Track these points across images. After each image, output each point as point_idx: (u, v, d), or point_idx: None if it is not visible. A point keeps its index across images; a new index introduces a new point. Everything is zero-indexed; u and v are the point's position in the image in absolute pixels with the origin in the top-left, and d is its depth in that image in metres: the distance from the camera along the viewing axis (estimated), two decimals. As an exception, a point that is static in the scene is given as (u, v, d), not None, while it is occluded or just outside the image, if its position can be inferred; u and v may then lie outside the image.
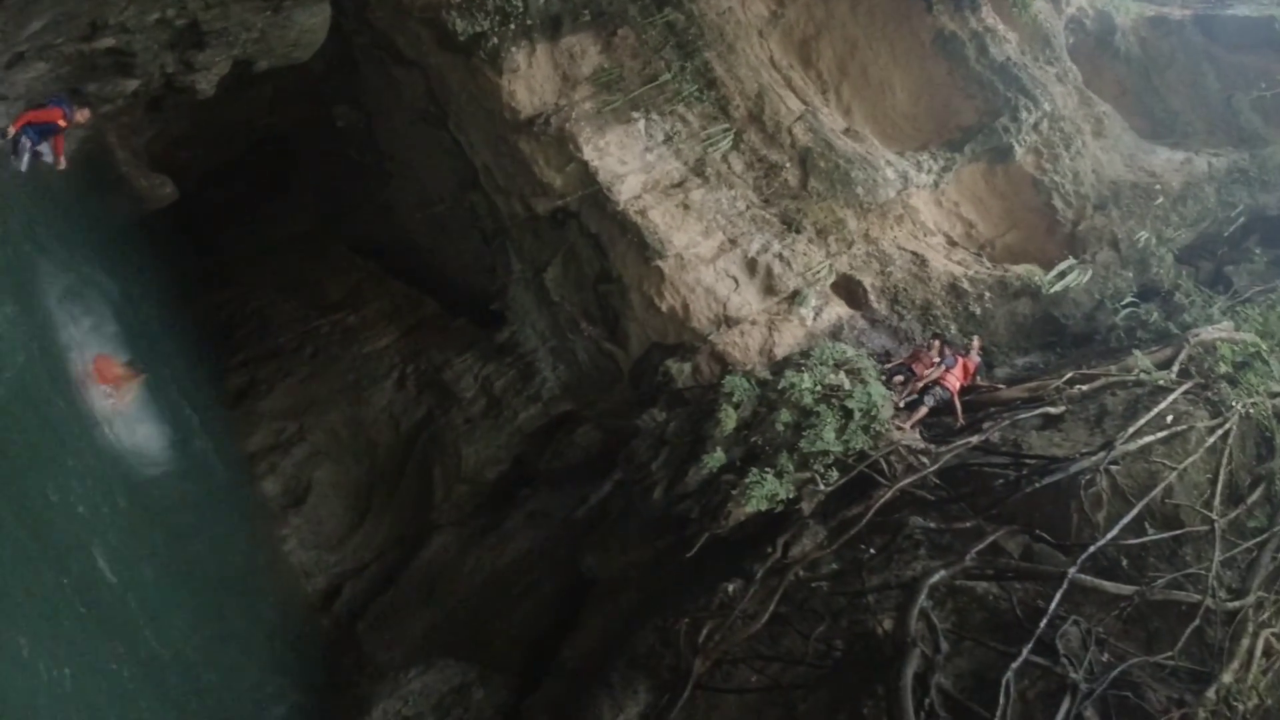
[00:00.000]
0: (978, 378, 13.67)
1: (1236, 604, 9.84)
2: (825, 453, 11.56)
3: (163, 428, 12.97)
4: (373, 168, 18.66)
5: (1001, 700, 8.47)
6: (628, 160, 14.13)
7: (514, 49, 13.91)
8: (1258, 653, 9.54)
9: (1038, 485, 10.82)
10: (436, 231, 18.17)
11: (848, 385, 12.23)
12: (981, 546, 10.16)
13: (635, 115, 14.28)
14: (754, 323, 14.20)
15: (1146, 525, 10.57)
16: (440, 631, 13.22)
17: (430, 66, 14.94)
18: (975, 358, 13.75)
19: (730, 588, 10.77)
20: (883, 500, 11.05)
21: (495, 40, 13.74)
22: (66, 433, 9.61)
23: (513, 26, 13.75)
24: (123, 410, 10.23)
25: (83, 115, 10.61)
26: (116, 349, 11.92)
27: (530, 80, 14.20)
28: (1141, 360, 12.80)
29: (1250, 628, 9.67)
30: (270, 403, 17.34)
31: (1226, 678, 9.13)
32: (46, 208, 11.53)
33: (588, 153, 13.91)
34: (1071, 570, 9.60)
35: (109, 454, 10.67)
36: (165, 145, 17.24)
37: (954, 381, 13.06)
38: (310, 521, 15.74)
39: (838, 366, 12.59)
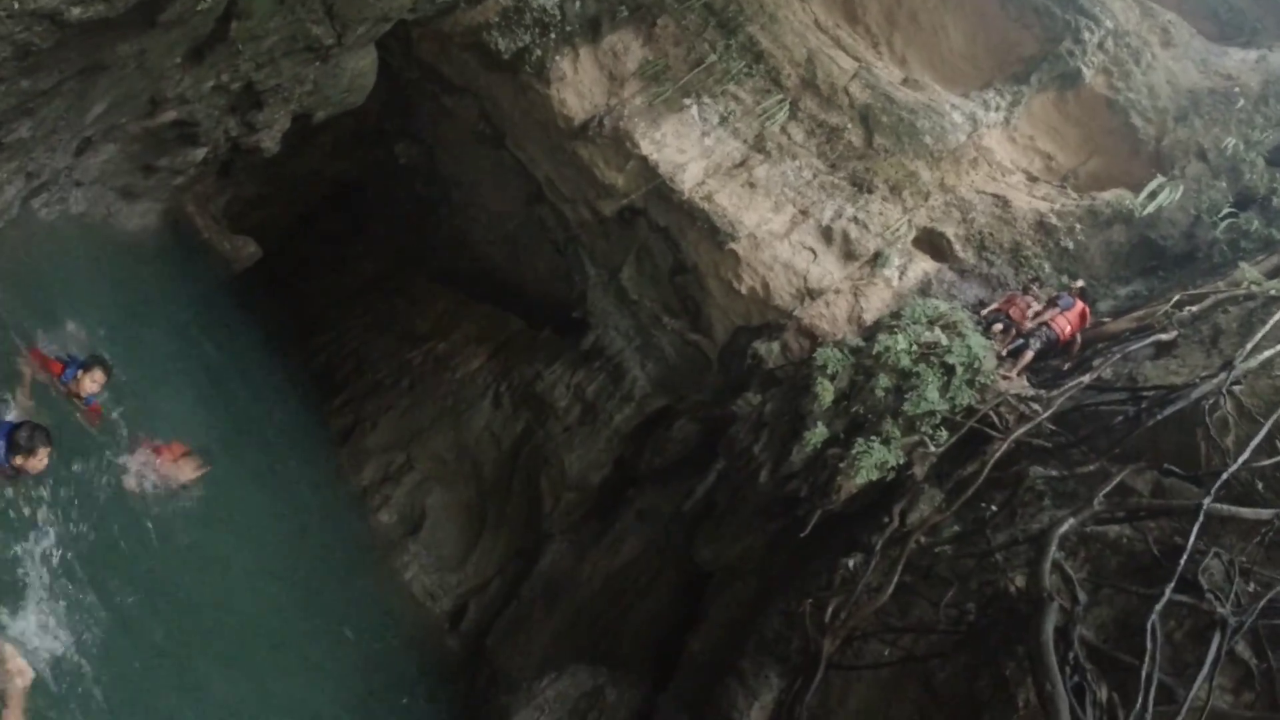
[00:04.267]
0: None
1: (1389, 512, 9.21)
2: (931, 413, 11.26)
3: (276, 476, 13.45)
4: (440, 197, 19.00)
5: (1149, 645, 8.09)
6: (686, 148, 14.03)
7: (558, 58, 13.95)
8: None
9: (1159, 417, 10.31)
10: (510, 249, 18.40)
11: (945, 341, 11.88)
12: (1108, 489, 9.72)
13: (687, 102, 14.16)
14: (838, 291, 13.94)
15: (1278, 444, 9.98)
16: (567, 638, 13.38)
17: (480, 89, 15.11)
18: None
19: (850, 563, 10.59)
20: (998, 454, 10.69)
21: (539, 52, 13.80)
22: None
23: (553, 36, 13.80)
24: (170, 486, 9.26)
25: (92, 380, 8.51)
26: (216, 415, 12.26)
27: (578, 86, 14.22)
28: (1249, 272, 12.09)
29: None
30: (376, 437, 17.85)
31: (1388, 590, 8.55)
32: (140, 283, 12.03)
33: (645, 147, 13.87)
34: (1206, 501, 9.10)
35: (231, 514, 11.07)
36: (242, 206, 17.91)
37: (1064, 324, 12.60)
38: (429, 547, 16.13)
39: (932, 323, 12.25)
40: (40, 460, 6.94)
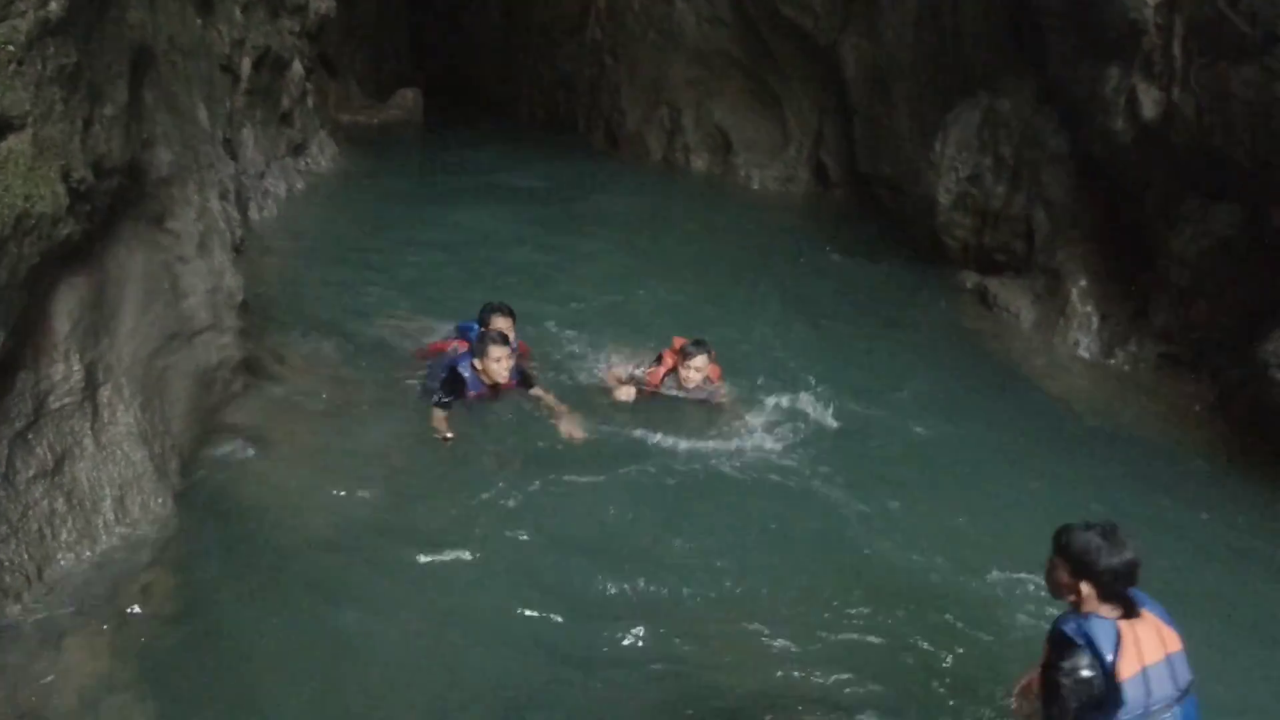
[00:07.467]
0: None
1: None
2: None
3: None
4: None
5: None
6: None
7: None
8: None
9: None
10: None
11: None
12: None
13: None
14: None
15: None
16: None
17: None
18: None
19: None
20: None
21: None
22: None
23: None
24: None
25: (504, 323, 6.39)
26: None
27: None
28: None
29: None
30: (631, 112, 17.49)
31: None
32: (361, 204, 12.14)
33: None
34: None
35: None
36: (372, 82, 18.09)
37: None
38: (750, 150, 15.84)
39: None
40: (497, 361, 5.85)
